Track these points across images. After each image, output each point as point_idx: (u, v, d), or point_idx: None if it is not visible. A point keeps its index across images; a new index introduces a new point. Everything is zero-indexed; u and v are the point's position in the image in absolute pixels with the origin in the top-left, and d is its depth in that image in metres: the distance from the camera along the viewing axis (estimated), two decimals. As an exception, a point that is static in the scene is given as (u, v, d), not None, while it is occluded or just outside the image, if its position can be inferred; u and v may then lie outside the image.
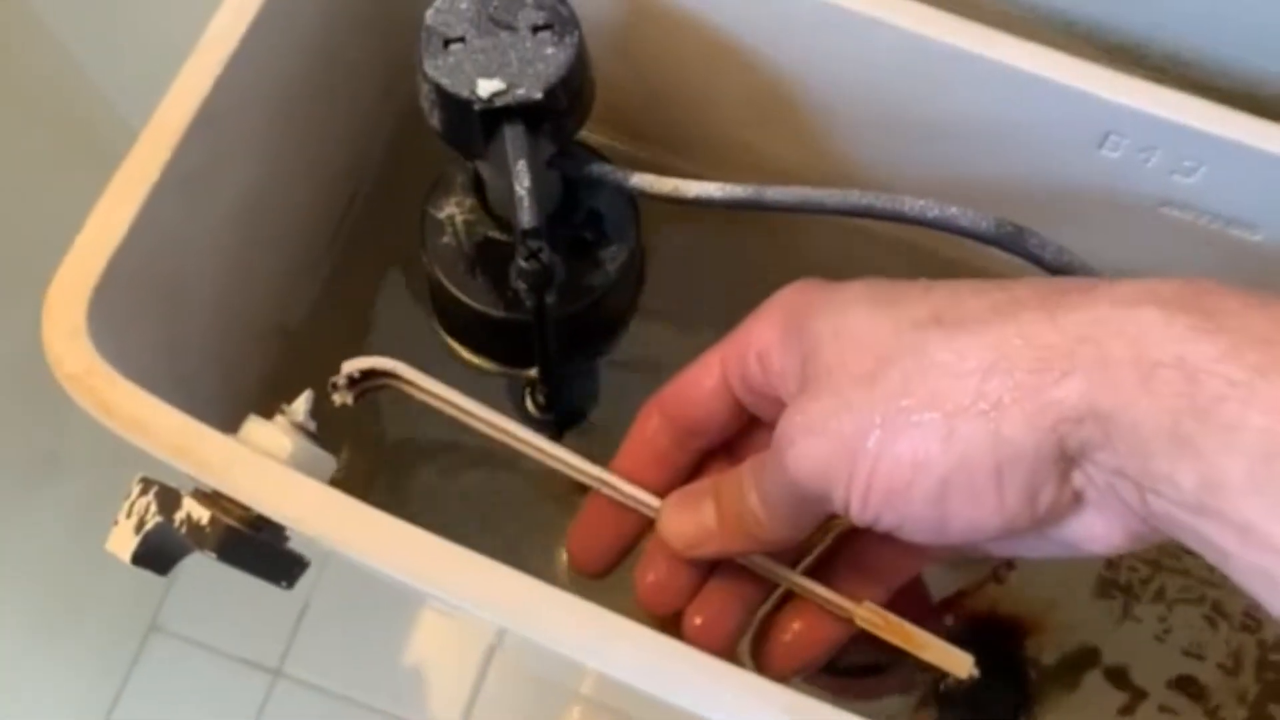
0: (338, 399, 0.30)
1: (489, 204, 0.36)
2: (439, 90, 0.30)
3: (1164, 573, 0.43)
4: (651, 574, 0.29)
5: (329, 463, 0.30)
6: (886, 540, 0.24)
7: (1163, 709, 0.42)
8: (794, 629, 0.29)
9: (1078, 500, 0.22)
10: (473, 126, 0.30)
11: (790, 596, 0.30)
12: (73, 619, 0.75)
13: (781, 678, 0.30)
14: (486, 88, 0.29)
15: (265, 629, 0.86)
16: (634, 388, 0.31)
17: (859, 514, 0.23)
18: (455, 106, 0.29)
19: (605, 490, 0.30)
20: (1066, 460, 0.21)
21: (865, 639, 0.44)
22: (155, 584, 0.87)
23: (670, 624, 0.30)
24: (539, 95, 0.29)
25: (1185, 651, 0.42)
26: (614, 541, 0.30)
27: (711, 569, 0.29)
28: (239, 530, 0.28)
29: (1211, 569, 0.44)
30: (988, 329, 0.21)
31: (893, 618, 0.28)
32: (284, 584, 0.30)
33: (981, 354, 0.21)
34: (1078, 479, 0.21)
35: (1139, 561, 0.43)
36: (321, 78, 0.34)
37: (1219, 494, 0.19)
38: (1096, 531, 0.22)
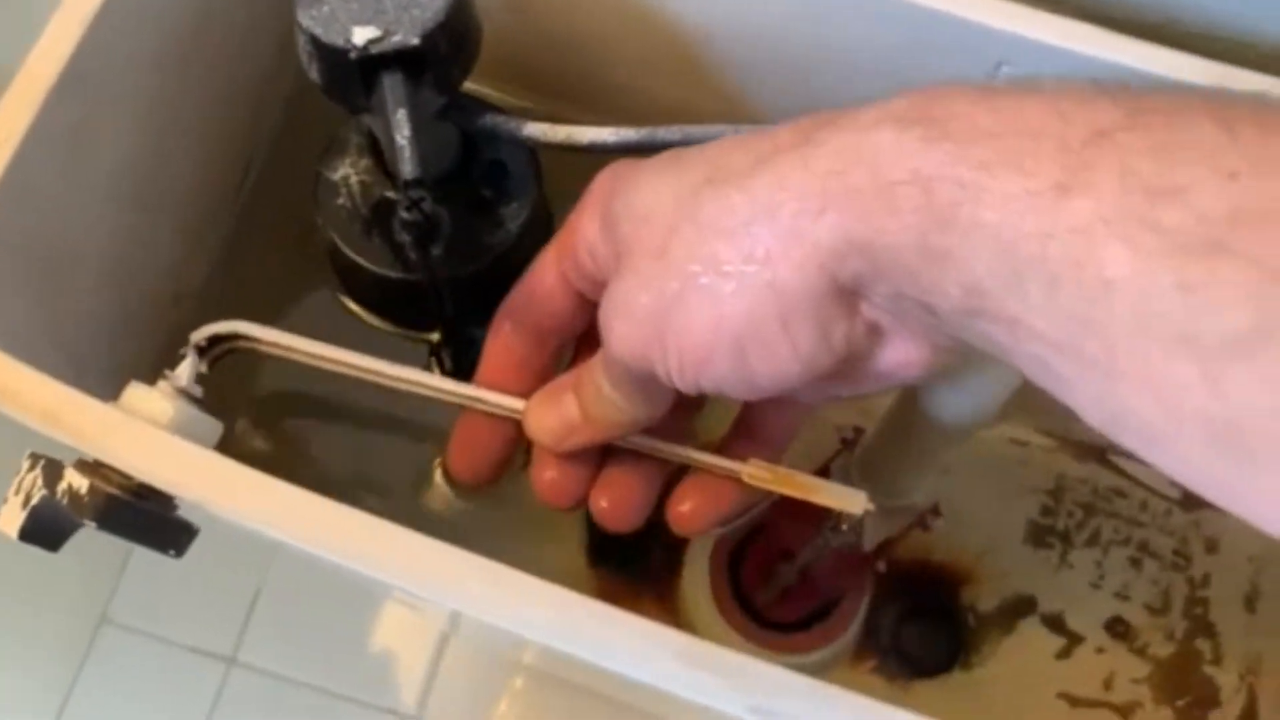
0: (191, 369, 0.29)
1: (384, 163, 0.35)
2: (314, 41, 0.29)
3: (1099, 515, 0.43)
4: (548, 472, 0.29)
5: (214, 427, 0.29)
6: (756, 402, 0.24)
7: (1099, 650, 0.42)
8: (694, 492, 0.29)
9: (876, 331, 0.22)
10: (351, 77, 0.29)
11: (688, 468, 0.30)
12: (21, 616, 0.74)
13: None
14: (362, 35, 0.28)
15: (217, 617, 0.85)
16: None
17: (681, 384, 0.23)
18: (332, 57, 0.29)
19: (475, 405, 0.30)
20: (848, 296, 0.21)
21: (796, 597, 0.43)
22: (104, 577, 0.86)
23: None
24: (416, 41, 0.28)
25: (1117, 594, 0.42)
26: (490, 453, 0.30)
27: (606, 455, 0.30)
28: (120, 499, 0.27)
29: (1143, 507, 0.44)
30: (751, 181, 0.21)
31: (780, 469, 0.28)
32: (172, 553, 0.29)
33: (747, 207, 0.21)
34: (867, 311, 0.22)
35: (1075, 506, 0.43)
36: (207, 35, 0.33)
37: (980, 296, 0.19)
38: (905, 356, 0.23)
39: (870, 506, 0.28)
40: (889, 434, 0.35)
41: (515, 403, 0.29)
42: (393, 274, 0.34)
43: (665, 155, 0.24)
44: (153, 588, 0.82)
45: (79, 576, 0.79)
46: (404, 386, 0.29)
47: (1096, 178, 0.17)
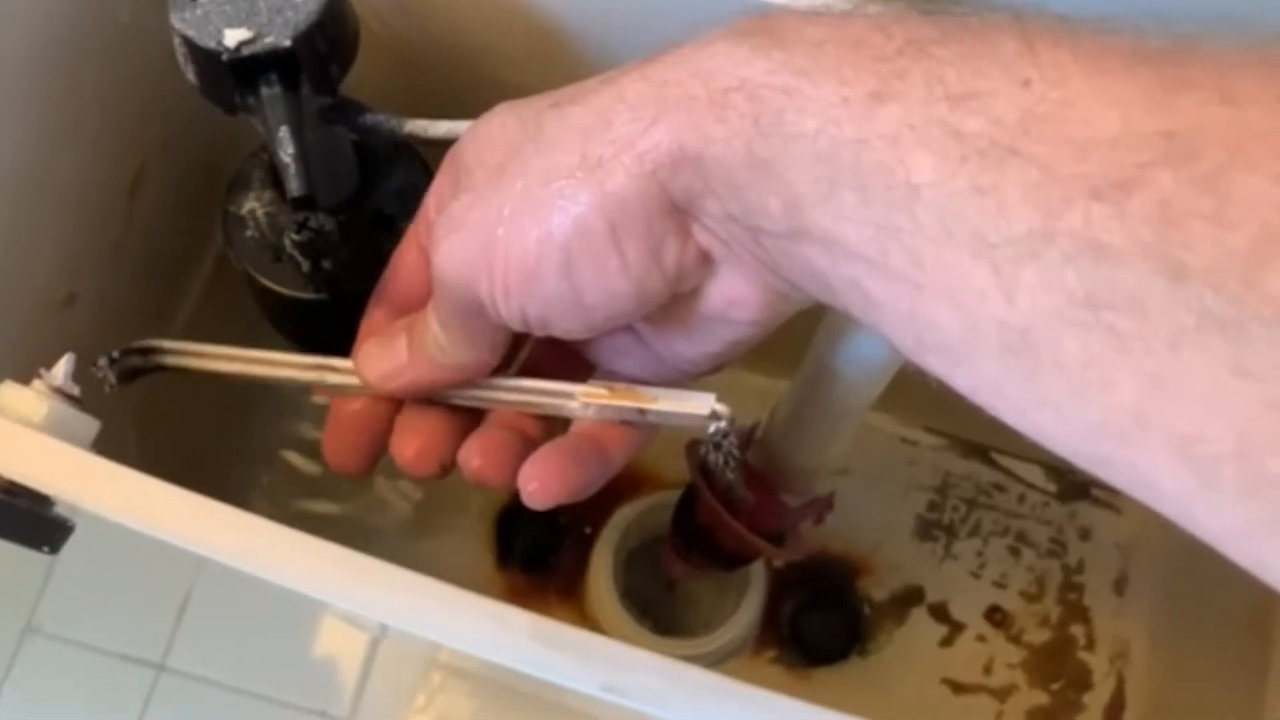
0: (101, 377, 0.30)
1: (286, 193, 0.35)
2: (188, 43, 0.29)
3: (980, 509, 0.44)
4: (411, 445, 0.28)
5: (90, 426, 0.29)
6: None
7: (979, 638, 0.43)
8: (481, 448, 0.27)
9: (707, 261, 0.22)
10: (225, 79, 0.29)
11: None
12: (-57, 627, 0.73)
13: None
14: (233, 37, 0.29)
15: (146, 623, 0.85)
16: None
17: (507, 310, 0.23)
18: (206, 59, 0.29)
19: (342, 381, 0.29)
20: (680, 214, 0.21)
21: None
22: (29, 586, 0.86)
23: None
24: (288, 42, 0.29)
25: (995, 583, 0.44)
26: (365, 437, 0.29)
27: (469, 425, 0.28)
28: (-10, 497, 0.27)
29: (1021, 499, 0.45)
30: (590, 97, 0.21)
31: (618, 385, 0.26)
32: (46, 549, 0.29)
33: (584, 119, 0.21)
34: (699, 235, 0.22)
35: (959, 500, 0.44)
36: (88, 35, 0.34)
37: (800, 212, 0.19)
38: (737, 293, 0.23)
39: (720, 407, 0.26)
40: (785, 422, 0.36)
41: None
42: (304, 295, 0.35)
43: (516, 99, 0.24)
44: (79, 595, 0.81)
45: (2, 585, 0.78)
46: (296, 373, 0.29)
47: (905, 85, 0.18)
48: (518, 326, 0.23)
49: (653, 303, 0.22)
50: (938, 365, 0.18)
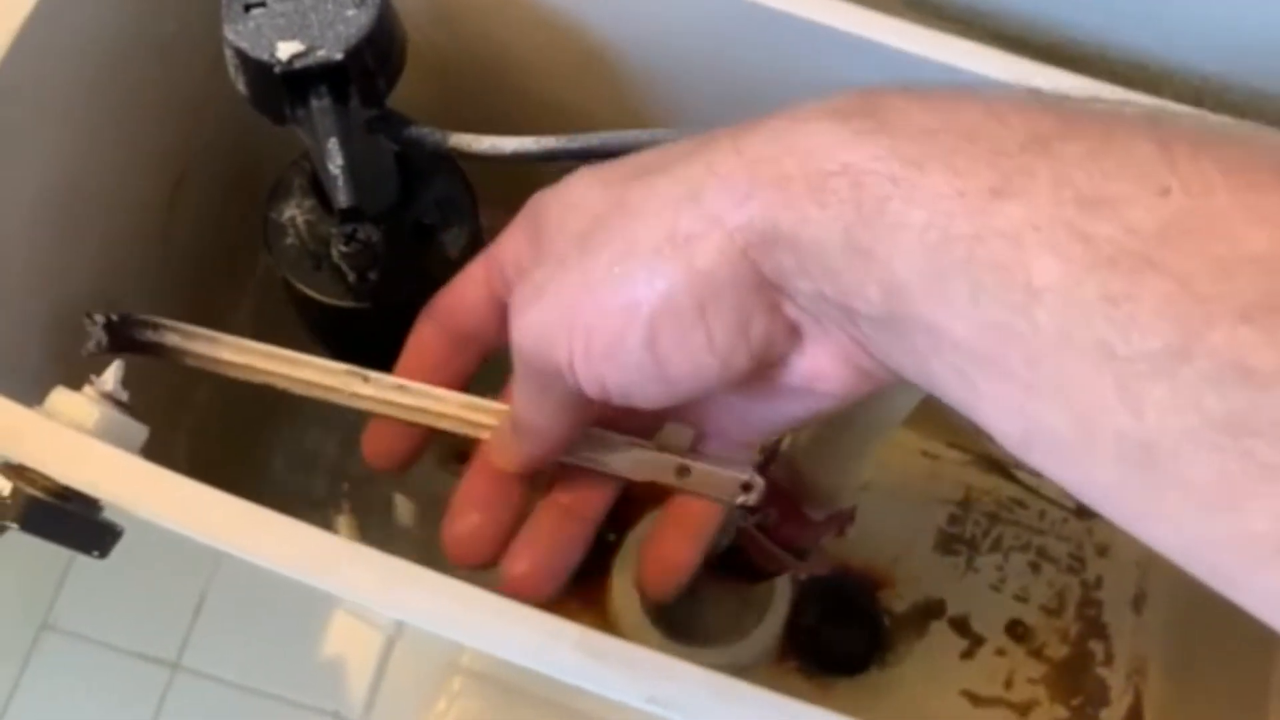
0: (89, 332, 0.30)
1: (327, 201, 0.36)
2: (240, 55, 0.30)
3: (1001, 524, 0.45)
4: (460, 524, 0.28)
5: (139, 432, 0.30)
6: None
7: (999, 652, 0.43)
8: (529, 549, 0.28)
9: (795, 334, 0.22)
10: (277, 91, 0.30)
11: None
12: (-40, 622, 0.73)
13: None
14: (286, 50, 0.29)
15: (162, 622, 0.85)
16: (487, 372, 0.31)
17: (586, 377, 0.22)
18: (258, 70, 0.30)
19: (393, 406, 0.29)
20: (771, 290, 0.21)
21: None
22: (46, 582, 0.86)
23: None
24: (339, 56, 0.29)
25: (1016, 597, 0.44)
26: (403, 441, 0.30)
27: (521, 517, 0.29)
28: (44, 501, 0.28)
29: (1041, 515, 0.46)
30: (679, 167, 0.21)
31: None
32: (95, 553, 0.30)
33: (673, 190, 0.21)
34: (790, 310, 0.21)
35: (981, 515, 0.45)
36: (136, 47, 0.34)
37: (902, 300, 0.18)
38: (823, 367, 0.22)
39: (753, 478, 0.27)
40: (812, 439, 0.37)
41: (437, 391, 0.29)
42: (344, 304, 0.35)
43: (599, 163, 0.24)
44: (96, 593, 0.82)
45: (20, 582, 0.78)
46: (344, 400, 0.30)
47: (1030, 183, 0.17)
48: (595, 394, 0.23)
49: (738, 377, 0.22)
50: (1045, 463, 0.18)
